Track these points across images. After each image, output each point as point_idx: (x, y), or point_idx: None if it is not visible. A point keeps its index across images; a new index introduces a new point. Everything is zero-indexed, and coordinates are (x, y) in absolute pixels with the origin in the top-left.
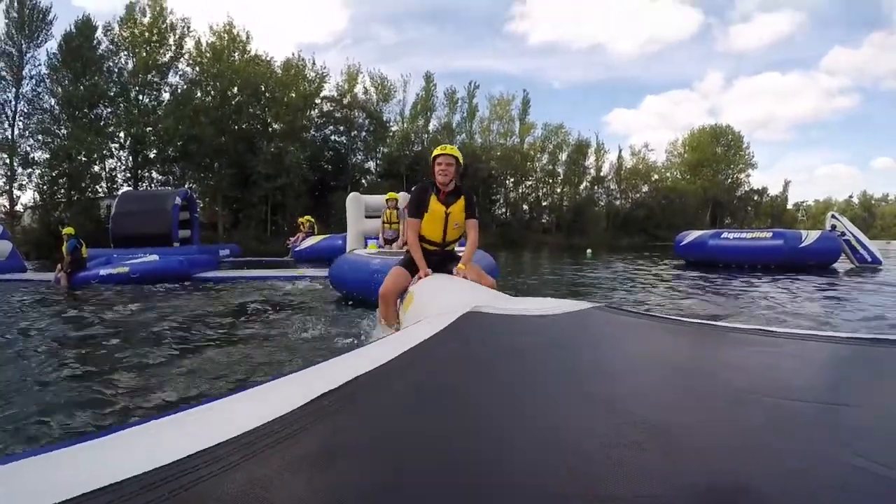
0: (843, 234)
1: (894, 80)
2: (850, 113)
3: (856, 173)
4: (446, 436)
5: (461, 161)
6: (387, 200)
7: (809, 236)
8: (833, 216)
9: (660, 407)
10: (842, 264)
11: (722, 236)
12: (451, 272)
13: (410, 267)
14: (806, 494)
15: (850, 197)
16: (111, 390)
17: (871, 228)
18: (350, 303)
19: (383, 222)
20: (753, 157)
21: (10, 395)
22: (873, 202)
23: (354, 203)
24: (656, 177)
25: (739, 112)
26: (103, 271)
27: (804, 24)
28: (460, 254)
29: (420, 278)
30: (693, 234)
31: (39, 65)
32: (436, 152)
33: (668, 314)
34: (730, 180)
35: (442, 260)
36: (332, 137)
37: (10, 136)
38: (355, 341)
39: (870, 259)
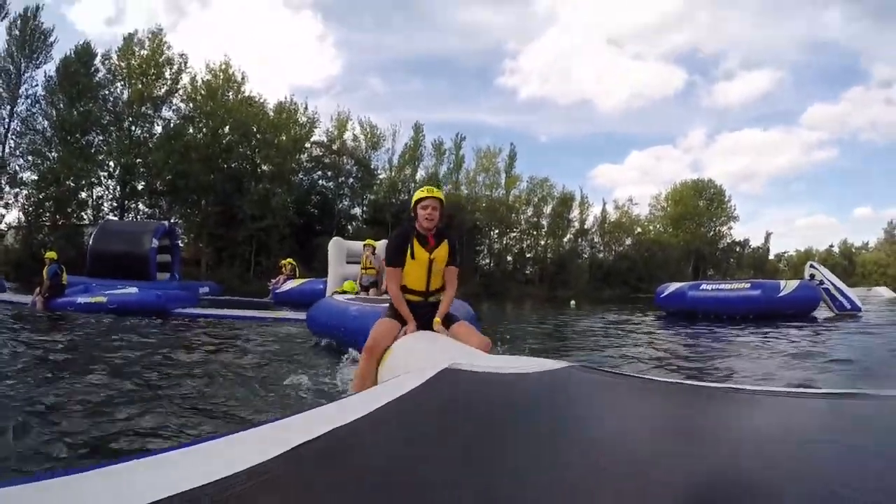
0: (821, 282)
1: (872, 132)
2: (830, 165)
3: (836, 223)
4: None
5: (444, 203)
6: (364, 246)
7: (788, 286)
8: (811, 265)
9: (637, 472)
10: (822, 312)
11: (701, 287)
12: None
13: (400, 318)
14: None
15: (831, 246)
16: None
17: (852, 276)
18: (324, 347)
19: (362, 268)
20: (735, 209)
21: None
22: (854, 250)
23: (336, 247)
24: (639, 230)
25: (721, 166)
26: (81, 299)
27: (784, 81)
28: None
29: (406, 333)
30: (673, 286)
31: (36, 85)
32: (419, 195)
33: (645, 373)
34: (712, 233)
35: (428, 315)
36: (320, 182)
37: (0, 154)
38: (329, 389)
39: (849, 306)
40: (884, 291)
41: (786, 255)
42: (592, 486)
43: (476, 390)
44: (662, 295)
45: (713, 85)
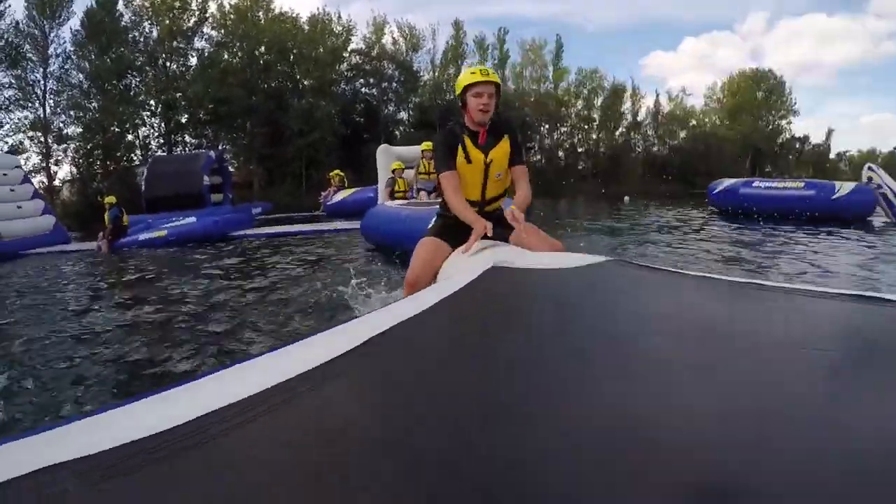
0: (878, 186)
1: None
2: None
3: None
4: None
5: (501, 89)
6: (423, 151)
7: (843, 188)
8: (870, 167)
9: (668, 367)
10: (879, 218)
11: (754, 185)
12: (503, 238)
13: (449, 235)
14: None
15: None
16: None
17: None
18: (380, 254)
19: (419, 172)
20: (795, 103)
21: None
22: None
23: (384, 155)
24: (694, 122)
25: (782, 54)
26: (142, 236)
27: None
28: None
29: (474, 241)
30: (725, 183)
31: (64, 42)
32: (469, 78)
33: (686, 269)
34: (770, 127)
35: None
36: (363, 90)
37: (41, 115)
38: (386, 295)
39: None
40: None
41: (847, 154)
42: (613, 375)
43: (518, 285)
44: (715, 192)
45: None
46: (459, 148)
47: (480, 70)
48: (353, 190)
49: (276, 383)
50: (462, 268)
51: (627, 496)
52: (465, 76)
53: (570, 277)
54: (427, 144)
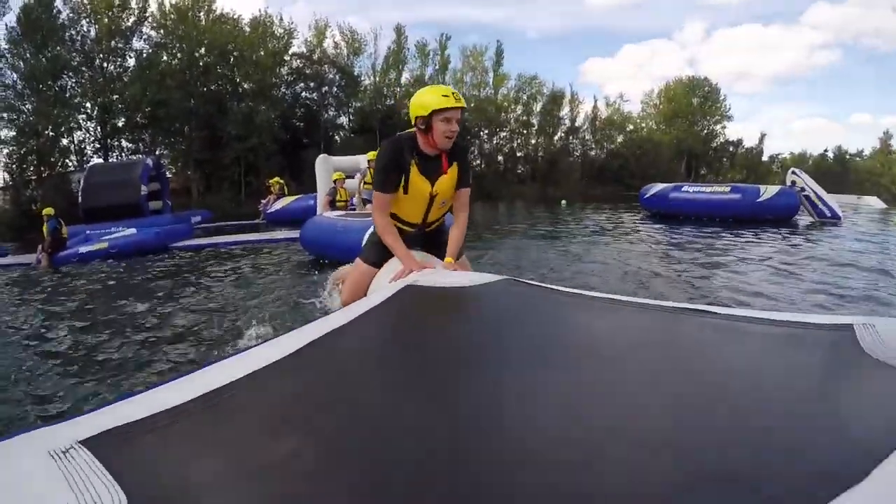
0: (802, 189)
1: (876, 38)
2: (831, 68)
3: (833, 128)
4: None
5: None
6: (369, 160)
7: (768, 191)
8: (793, 171)
9: (525, 380)
10: (805, 218)
11: (682, 189)
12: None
13: (380, 257)
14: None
15: (826, 151)
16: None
17: (844, 183)
18: (321, 264)
19: (364, 182)
20: (730, 108)
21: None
22: (848, 157)
23: (323, 164)
24: (631, 127)
25: (719, 62)
26: (83, 249)
27: None
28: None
29: (399, 276)
30: (656, 188)
31: None
32: (437, 101)
33: (575, 288)
34: (705, 132)
35: (421, 242)
36: (303, 94)
37: None
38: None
39: (829, 214)
40: (873, 201)
41: (780, 157)
42: (481, 377)
43: (426, 303)
44: (646, 196)
45: None
46: (403, 170)
47: (453, 94)
48: (293, 198)
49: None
50: (382, 285)
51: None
52: (434, 98)
53: (467, 296)
54: (372, 154)
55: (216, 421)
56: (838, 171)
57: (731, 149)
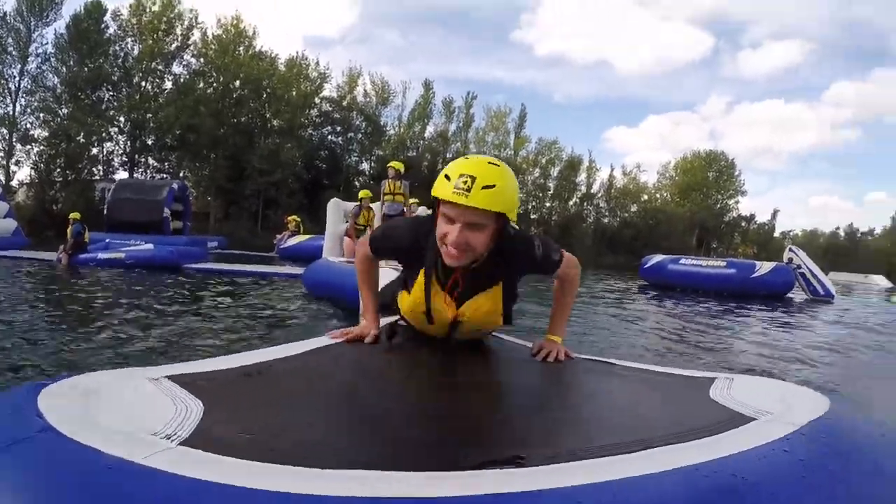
0: (798, 266)
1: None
2: (851, 145)
3: (848, 206)
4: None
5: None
6: (361, 199)
7: (763, 267)
8: (791, 249)
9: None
10: (798, 294)
11: (680, 262)
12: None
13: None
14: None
15: (837, 229)
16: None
17: (854, 261)
18: (315, 303)
19: (384, 194)
20: (744, 184)
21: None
22: (859, 235)
23: (334, 208)
24: (646, 197)
25: (739, 136)
26: (102, 255)
27: (812, 54)
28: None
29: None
30: (655, 259)
31: (46, 43)
32: (444, 191)
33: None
34: (718, 205)
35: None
36: (329, 137)
37: (11, 112)
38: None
39: (822, 292)
40: (880, 280)
41: (791, 233)
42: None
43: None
44: (645, 266)
45: (738, 52)
46: (418, 271)
47: (472, 179)
48: (307, 236)
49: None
50: None
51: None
52: (440, 181)
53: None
54: (365, 193)
55: (255, 382)
56: (849, 249)
57: (743, 224)
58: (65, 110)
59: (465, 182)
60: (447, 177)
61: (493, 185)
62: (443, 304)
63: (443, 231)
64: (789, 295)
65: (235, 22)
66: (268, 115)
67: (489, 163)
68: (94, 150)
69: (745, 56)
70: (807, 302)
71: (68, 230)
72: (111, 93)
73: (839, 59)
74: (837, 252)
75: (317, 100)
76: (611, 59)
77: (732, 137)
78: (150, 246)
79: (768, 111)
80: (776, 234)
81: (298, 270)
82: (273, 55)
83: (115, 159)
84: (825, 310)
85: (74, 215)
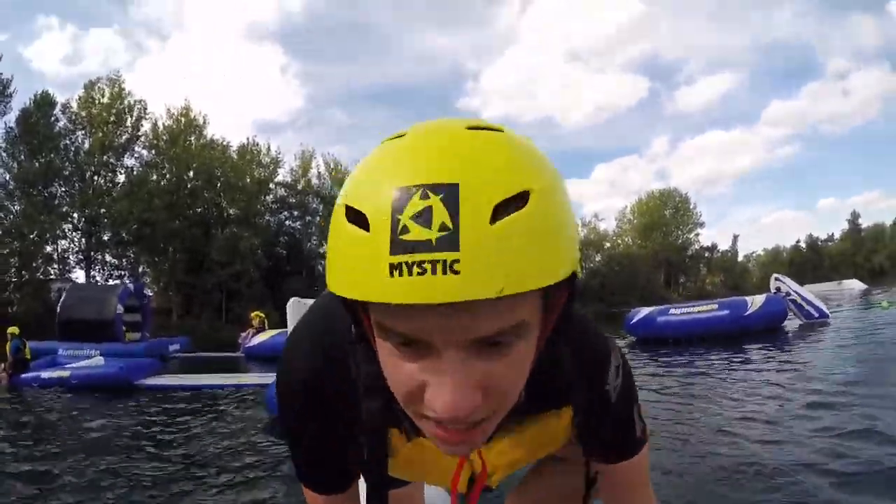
0: (787, 294)
1: (832, 124)
2: (793, 160)
3: (802, 217)
4: None
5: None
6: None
7: (755, 302)
8: (776, 278)
9: None
10: (794, 321)
11: (670, 312)
12: None
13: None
14: None
15: (798, 241)
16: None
17: (820, 269)
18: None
19: None
20: (701, 216)
21: None
22: (820, 243)
23: (294, 309)
24: (608, 245)
25: (687, 171)
26: (44, 374)
27: (744, 82)
28: None
29: None
30: (643, 312)
31: None
32: (364, 276)
33: None
34: (680, 241)
35: None
36: (287, 223)
37: None
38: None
39: (817, 315)
40: (855, 284)
41: (754, 255)
42: None
43: None
44: (632, 321)
45: (675, 91)
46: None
47: (417, 212)
48: (272, 333)
49: None
50: None
51: None
52: (339, 232)
53: None
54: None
55: None
56: (813, 259)
57: (706, 254)
58: (17, 207)
59: (426, 220)
60: (362, 220)
61: (517, 206)
62: (434, 464)
63: (406, 381)
64: (783, 325)
65: (185, 111)
66: (223, 205)
67: (472, 132)
68: (49, 249)
69: (681, 94)
70: (804, 329)
71: (7, 347)
72: (63, 188)
73: (769, 81)
74: (803, 264)
75: (271, 185)
76: (554, 115)
77: (681, 173)
78: (100, 360)
79: (710, 142)
80: (740, 259)
81: (264, 379)
82: (224, 143)
83: (71, 257)
84: (833, 334)
85: (12, 330)
